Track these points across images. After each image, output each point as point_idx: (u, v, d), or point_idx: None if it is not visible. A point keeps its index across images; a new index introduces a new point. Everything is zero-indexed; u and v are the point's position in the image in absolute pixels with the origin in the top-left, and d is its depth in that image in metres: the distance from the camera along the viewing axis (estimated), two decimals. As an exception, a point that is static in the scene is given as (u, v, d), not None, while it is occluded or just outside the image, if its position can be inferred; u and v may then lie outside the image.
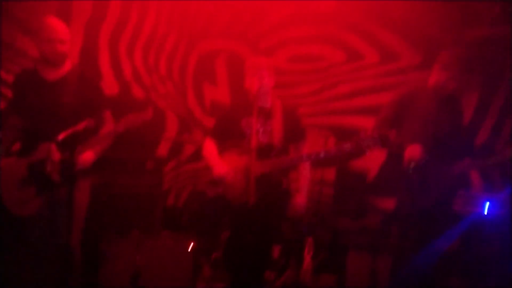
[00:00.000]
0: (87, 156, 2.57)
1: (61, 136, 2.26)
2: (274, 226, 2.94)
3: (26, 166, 2.50)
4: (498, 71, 3.91)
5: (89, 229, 2.77)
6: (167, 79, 4.48)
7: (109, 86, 4.14)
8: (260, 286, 2.85)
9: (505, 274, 3.07)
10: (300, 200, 2.91)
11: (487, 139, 3.93)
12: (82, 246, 2.65)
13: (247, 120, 2.85)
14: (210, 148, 2.95)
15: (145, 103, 4.23)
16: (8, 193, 2.47)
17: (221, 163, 2.83)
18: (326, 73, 4.43)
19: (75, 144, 2.38)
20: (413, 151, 2.84)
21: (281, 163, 2.81)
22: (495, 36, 3.86)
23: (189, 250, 3.29)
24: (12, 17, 3.80)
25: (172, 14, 4.40)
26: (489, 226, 3.25)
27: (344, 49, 4.38)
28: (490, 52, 3.88)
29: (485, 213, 3.26)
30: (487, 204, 3.30)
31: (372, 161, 3.59)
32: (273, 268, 3.41)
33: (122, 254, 3.20)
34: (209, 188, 2.84)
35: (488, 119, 3.97)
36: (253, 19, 4.53)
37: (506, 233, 3.13)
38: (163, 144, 4.34)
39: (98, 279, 3.16)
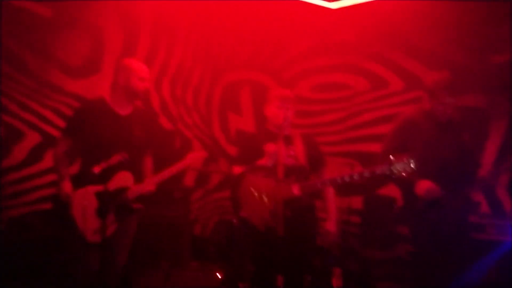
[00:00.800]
0: (148, 186, 2.69)
1: (97, 169, 2.34)
2: (303, 254, 2.92)
3: (103, 194, 2.54)
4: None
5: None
6: (194, 110, 4.59)
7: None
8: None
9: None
10: (331, 228, 2.91)
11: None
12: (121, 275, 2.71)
13: (269, 144, 2.90)
14: None
15: (173, 134, 4.34)
16: (85, 221, 2.54)
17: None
18: (350, 102, 4.46)
19: (110, 176, 2.47)
20: (423, 189, 2.79)
21: (313, 186, 2.80)
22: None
23: (219, 277, 3.29)
24: (51, 55, 3.99)
25: (198, 48, 4.55)
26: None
27: (368, 78, 4.41)
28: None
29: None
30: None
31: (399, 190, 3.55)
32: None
33: (152, 284, 3.23)
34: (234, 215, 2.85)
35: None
36: (276, 50, 4.63)
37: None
38: (190, 173, 4.42)
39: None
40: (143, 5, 4.18)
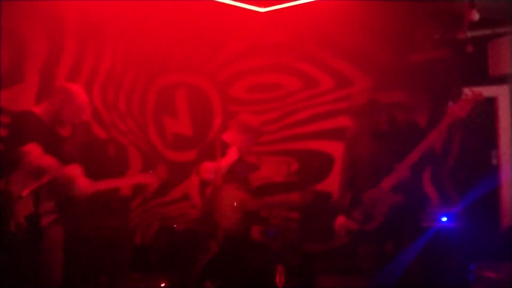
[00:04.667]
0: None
1: (25, 192, 2.23)
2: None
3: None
4: (443, 89, 4.20)
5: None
6: (128, 115, 4.47)
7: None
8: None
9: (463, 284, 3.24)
10: None
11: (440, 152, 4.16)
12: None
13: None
14: None
15: (107, 142, 4.20)
16: None
17: None
18: (284, 101, 4.58)
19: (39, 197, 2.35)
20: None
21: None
22: (437, 58, 4.15)
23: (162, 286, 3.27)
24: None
25: (129, 51, 4.43)
26: (447, 239, 3.44)
27: (300, 77, 4.55)
28: (434, 72, 4.17)
29: (443, 226, 3.45)
30: (444, 218, 3.49)
31: (336, 183, 3.70)
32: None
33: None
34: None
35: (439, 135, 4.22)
36: (210, 52, 4.63)
37: (463, 245, 3.33)
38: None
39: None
40: (67, 7, 3.98)
